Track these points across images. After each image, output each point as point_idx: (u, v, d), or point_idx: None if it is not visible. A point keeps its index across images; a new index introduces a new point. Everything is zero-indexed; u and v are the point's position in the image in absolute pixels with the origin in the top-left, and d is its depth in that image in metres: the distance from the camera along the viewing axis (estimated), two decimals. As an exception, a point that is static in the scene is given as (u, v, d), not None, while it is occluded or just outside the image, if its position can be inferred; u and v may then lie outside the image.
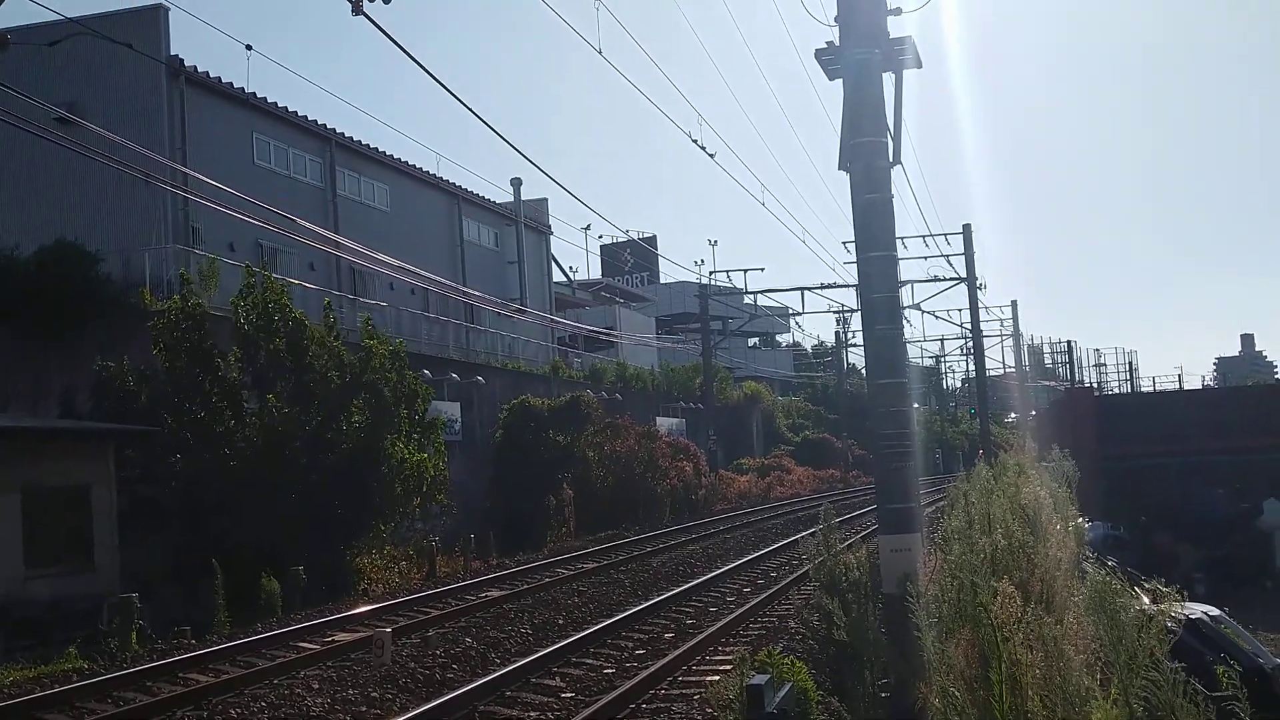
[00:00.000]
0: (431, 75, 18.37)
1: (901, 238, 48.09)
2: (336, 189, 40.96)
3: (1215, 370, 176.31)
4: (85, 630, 19.40)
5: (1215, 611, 13.16)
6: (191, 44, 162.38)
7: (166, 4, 32.93)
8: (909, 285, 57.55)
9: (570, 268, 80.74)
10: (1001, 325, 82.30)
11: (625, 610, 19.60)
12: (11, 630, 19.44)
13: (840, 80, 12.47)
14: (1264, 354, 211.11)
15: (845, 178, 12.56)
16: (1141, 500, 26.68)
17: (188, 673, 15.79)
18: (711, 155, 30.66)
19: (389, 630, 16.68)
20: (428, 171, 48.43)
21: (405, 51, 16.44)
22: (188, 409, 24.56)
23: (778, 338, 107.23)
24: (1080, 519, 11.69)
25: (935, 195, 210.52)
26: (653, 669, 14.22)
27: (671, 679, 14.09)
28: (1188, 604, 13.12)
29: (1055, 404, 50.96)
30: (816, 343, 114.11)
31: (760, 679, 6.43)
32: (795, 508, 47.64)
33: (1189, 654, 9.36)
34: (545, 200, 60.37)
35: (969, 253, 53.01)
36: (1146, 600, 7.05)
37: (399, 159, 45.88)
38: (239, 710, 13.28)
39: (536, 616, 19.74)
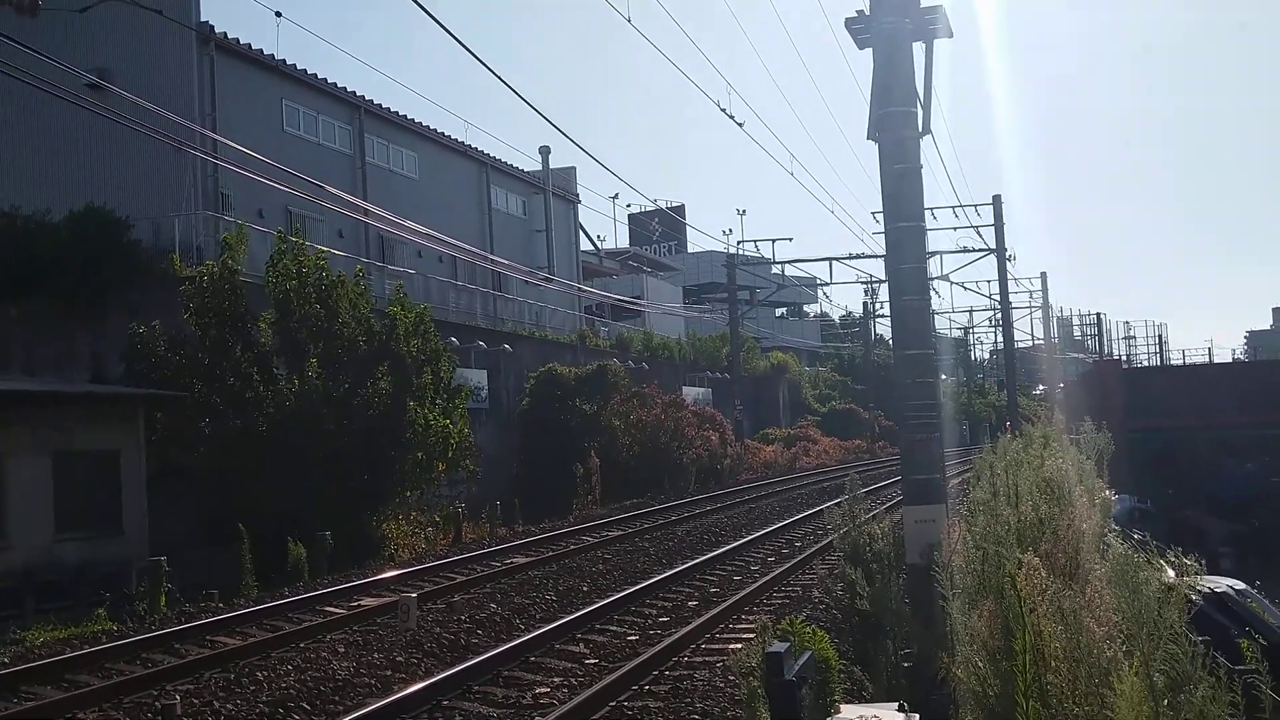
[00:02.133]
0: (460, 43, 18.38)
1: (931, 208, 47.88)
2: (365, 156, 41.01)
3: (1246, 344, 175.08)
4: (114, 593, 19.59)
5: (1241, 585, 13.13)
6: (221, 10, 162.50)
7: (196, -30, 32.98)
8: (938, 256, 57.18)
9: (598, 236, 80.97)
10: (1031, 297, 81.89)
11: (650, 578, 19.67)
12: (42, 592, 19.65)
13: (870, 50, 12.40)
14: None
15: (874, 147, 12.51)
16: (1169, 474, 26.55)
17: (215, 636, 15.94)
18: (740, 124, 30.63)
19: (414, 595, 16.80)
20: (456, 139, 48.42)
21: (434, 19, 16.42)
22: (218, 374, 24.70)
23: (805, 308, 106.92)
24: (1107, 492, 11.64)
25: (966, 166, 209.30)
26: (676, 636, 14.29)
27: (695, 646, 14.16)
28: (1214, 577, 13.09)
29: (1083, 376, 50.69)
30: (844, 313, 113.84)
31: (780, 647, 6.44)
32: (821, 478, 47.64)
33: (1213, 627, 9.34)
34: (574, 169, 60.32)
35: (999, 224, 52.65)
36: (1171, 573, 7.04)
37: (428, 126, 45.91)
38: (265, 673, 13.41)
39: (561, 583, 19.83)
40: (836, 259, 57.85)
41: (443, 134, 47.08)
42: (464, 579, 20.40)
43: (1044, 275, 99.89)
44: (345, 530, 24.03)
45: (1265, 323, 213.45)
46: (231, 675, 13.39)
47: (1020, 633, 6.34)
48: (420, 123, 45.34)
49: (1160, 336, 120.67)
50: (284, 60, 37.01)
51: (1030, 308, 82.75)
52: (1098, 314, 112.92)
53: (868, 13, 12.32)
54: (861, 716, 6.46)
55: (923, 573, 10.53)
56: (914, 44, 12.33)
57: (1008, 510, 8.47)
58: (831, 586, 15.44)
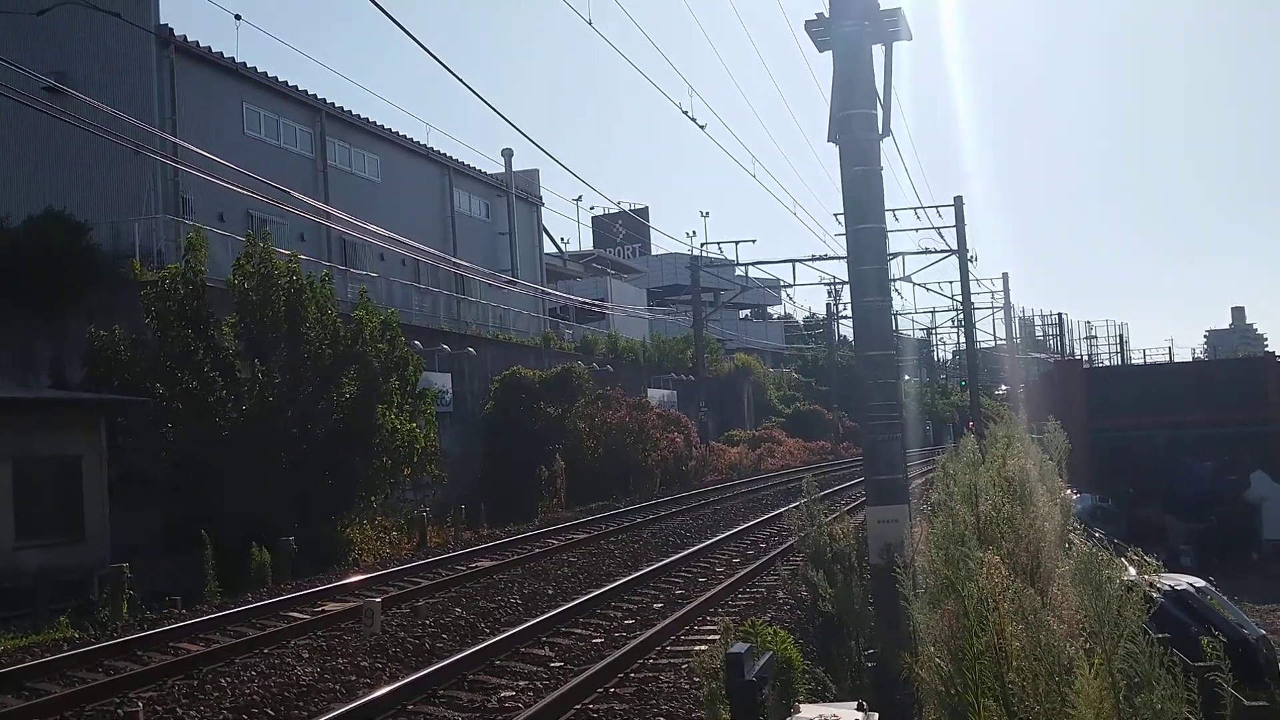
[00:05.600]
0: (421, 45, 18.36)
1: (892, 210, 48.05)
2: (327, 159, 40.87)
3: (1206, 343, 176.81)
4: (76, 600, 19.44)
5: (1201, 583, 13.27)
6: (180, 13, 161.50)
7: (155, -28, 32.79)
8: (900, 257, 57.66)
9: (562, 239, 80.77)
10: (993, 297, 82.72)
11: (615, 581, 19.67)
12: (2, 600, 19.47)
13: (830, 52, 12.42)
14: (1255, 327, 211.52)
15: (836, 150, 12.55)
16: (1129, 472, 26.79)
17: (178, 642, 15.82)
18: (702, 127, 30.72)
19: (379, 600, 16.72)
20: (418, 142, 48.32)
21: (395, 21, 16.38)
22: (179, 378, 24.53)
23: (769, 309, 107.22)
24: (1068, 490, 11.73)
25: (927, 167, 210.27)
26: (641, 639, 14.29)
27: (660, 648, 14.16)
28: (1174, 575, 13.23)
29: (1045, 376, 51.06)
30: (808, 315, 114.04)
31: (740, 648, 6.47)
32: (785, 479, 47.69)
33: (1174, 625, 9.43)
34: (536, 171, 60.37)
35: (960, 225, 52.93)
36: (1132, 571, 7.10)
37: (389, 129, 45.76)
38: (229, 679, 13.33)
39: (526, 587, 19.80)
40: (799, 261, 58.12)
41: (404, 137, 47.01)
42: (429, 583, 20.33)
43: (1005, 276, 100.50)
44: (309, 535, 23.93)
45: (1225, 322, 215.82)
46: (195, 682, 13.31)
47: (969, 634, 6.38)
48: (382, 125, 45.23)
49: (1121, 336, 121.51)
50: (244, 63, 36.85)
51: (992, 308, 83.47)
52: (1059, 314, 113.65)
53: (827, 15, 12.35)
54: (821, 716, 6.49)
55: (885, 573, 10.58)
56: (874, 46, 12.37)
57: (965, 510, 8.53)
58: (795, 588, 15.52)
